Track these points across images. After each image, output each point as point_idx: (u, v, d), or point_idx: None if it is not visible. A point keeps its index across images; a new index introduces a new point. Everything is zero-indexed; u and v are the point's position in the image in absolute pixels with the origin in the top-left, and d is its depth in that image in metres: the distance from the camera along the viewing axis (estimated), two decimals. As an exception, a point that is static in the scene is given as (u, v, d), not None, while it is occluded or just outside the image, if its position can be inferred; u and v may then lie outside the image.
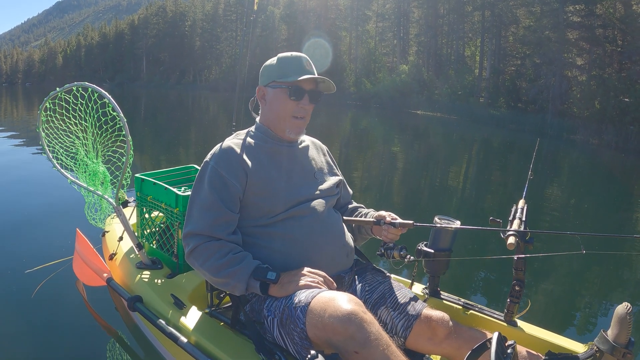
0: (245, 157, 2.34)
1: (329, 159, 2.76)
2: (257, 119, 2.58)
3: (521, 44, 40.17)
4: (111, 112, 3.19)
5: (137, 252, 3.34)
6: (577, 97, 32.72)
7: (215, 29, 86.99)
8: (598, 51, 33.73)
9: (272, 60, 2.48)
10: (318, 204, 2.44)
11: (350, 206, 2.83)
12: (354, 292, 2.45)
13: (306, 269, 2.25)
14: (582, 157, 20.77)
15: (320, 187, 2.52)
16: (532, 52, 37.63)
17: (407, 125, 30.86)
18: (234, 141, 2.43)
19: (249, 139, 2.46)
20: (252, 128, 2.57)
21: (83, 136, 3.50)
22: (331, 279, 2.27)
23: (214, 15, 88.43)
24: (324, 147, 2.80)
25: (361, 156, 15.09)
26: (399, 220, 2.52)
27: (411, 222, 2.49)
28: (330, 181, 2.60)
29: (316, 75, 2.40)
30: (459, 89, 41.93)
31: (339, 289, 2.29)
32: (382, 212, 2.58)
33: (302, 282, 2.16)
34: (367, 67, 55.37)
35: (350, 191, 2.91)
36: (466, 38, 49.18)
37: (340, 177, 2.73)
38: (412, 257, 2.57)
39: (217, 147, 2.42)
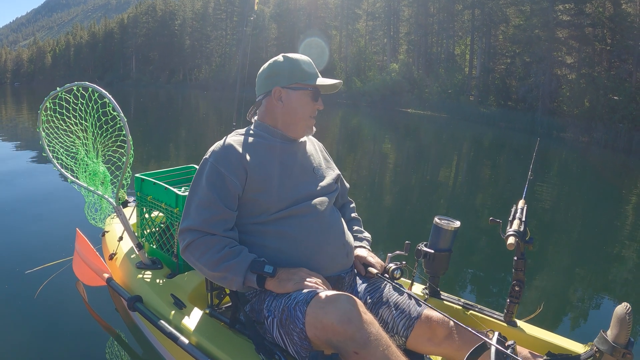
0: (244, 154, 2.33)
1: (326, 155, 2.76)
2: (255, 118, 2.58)
3: (511, 43, 40.30)
4: (111, 112, 3.18)
5: (137, 252, 3.34)
6: (566, 95, 32.89)
7: (205, 28, 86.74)
8: (587, 50, 33.93)
9: (281, 60, 2.47)
10: (318, 202, 2.43)
11: (345, 218, 2.80)
12: (354, 293, 2.46)
13: (304, 270, 2.24)
14: (572, 155, 20.86)
15: (320, 183, 2.50)
16: (522, 51, 37.78)
17: (398, 124, 30.90)
18: (233, 138, 2.41)
19: (248, 137, 2.45)
20: (252, 127, 2.56)
21: (83, 136, 3.49)
22: (327, 283, 2.27)
23: (203, 14, 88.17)
24: (320, 144, 2.80)
25: (352, 155, 15.09)
26: (370, 267, 2.52)
27: (375, 272, 2.49)
28: (329, 177, 2.59)
29: (336, 81, 2.47)
30: (449, 87, 42.07)
31: (339, 289, 2.29)
32: (360, 254, 2.60)
33: (300, 282, 2.16)
34: (358, 66, 55.34)
35: (347, 185, 2.90)
36: (456, 37, 49.27)
37: (338, 172, 2.72)
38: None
39: (217, 144, 2.41)
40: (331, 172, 2.64)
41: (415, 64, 49.87)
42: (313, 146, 2.68)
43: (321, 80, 2.42)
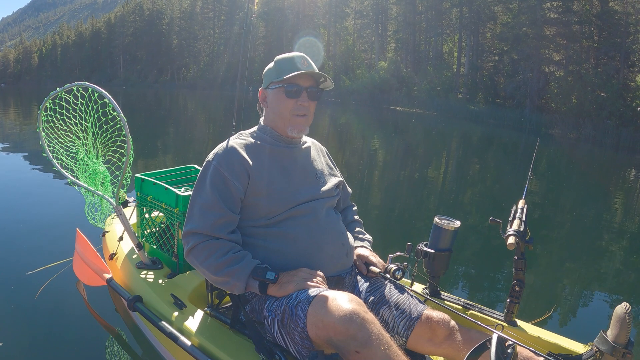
0: (247, 158, 2.34)
1: (329, 160, 2.76)
2: (261, 120, 2.59)
3: (499, 40, 40.53)
4: (111, 112, 3.18)
5: (137, 252, 3.34)
6: (554, 92, 33.04)
7: (193, 27, 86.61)
8: (575, 47, 34.16)
9: (271, 64, 2.50)
10: (318, 204, 2.44)
11: (347, 221, 2.84)
12: (355, 292, 2.46)
13: (304, 269, 2.25)
14: (561, 152, 20.91)
15: (322, 188, 2.51)
16: (509, 48, 37.96)
17: (388, 122, 30.89)
18: (237, 141, 2.41)
19: (252, 140, 2.45)
20: (256, 129, 2.57)
21: (83, 136, 3.49)
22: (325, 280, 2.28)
23: (191, 13, 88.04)
24: (324, 149, 2.81)
25: (346, 156, 14.99)
26: (371, 267, 2.53)
27: (377, 270, 2.50)
28: (331, 182, 2.60)
29: (310, 71, 2.40)
30: (438, 85, 42.20)
31: (340, 289, 2.29)
32: (361, 253, 2.62)
33: (300, 282, 2.17)
34: (346, 64, 55.44)
35: (350, 190, 2.91)
36: (444, 34, 49.49)
37: (340, 179, 2.73)
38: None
39: (220, 146, 2.41)
40: (333, 179, 2.65)
41: (403, 62, 50.03)
42: (317, 151, 2.70)
43: (292, 73, 2.37)
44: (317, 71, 2.41)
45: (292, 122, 2.44)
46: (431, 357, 2.51)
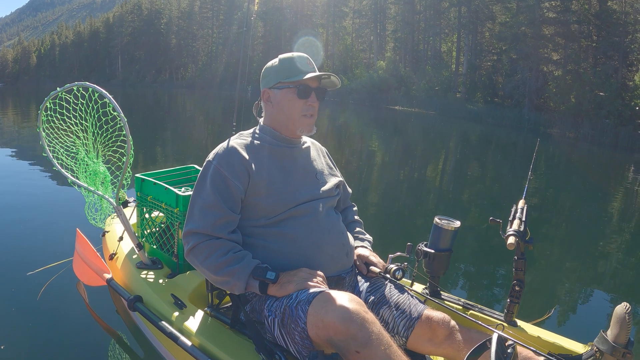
0: (248, 158, 2.33)
1: (329, 161, 2.76)
2: (261, 121, 2.57)
3: (497, 40, 40.54)
4: (112, 112, 3.18)
5: (137, 252, 3.34)
6: (553, 91, 33.10)
7: (191, 27, 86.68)
8: (573, 46, 34.19)
9: (274, 62, 2.47)
10: (318, 204, 2.43)
11: (347, 221, 2.83)
12: (356, 292, 2.47)
13: (305, 269, 2.24)
14: (559, 151, 20.93)
15: (322, 188, 2.51)
16: (508, 48, 37.99)
17: (387, 121, 30.89)
18: (237, 141, 2.40)
19: (252, 140, 2.44)
20: (256, 129, 2.55)
21: (84, 136, 3.49)
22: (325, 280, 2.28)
23: (189, 13, 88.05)
24: (324, 149, 2.80)
25: (345, 156, 14.97)
26: (371, 267, 2.53)
27: (378, 270, 2.50)
28: (331, 182, 2.59)
29: (319, 73, 2.40)
30: (436, 84, 42.21)
31: (340, 289, 2.28)
32: (362, 253, 2.62)
33: (301, 282, 2.16)
34: (344, 64, 55.37)
35: (350, 190, 2.91)
36: (443, 34, 49.52)
37: (340, 179, 2.72)
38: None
39: (221, 146, 2.40)
40: (333, 179, 2.64)
41: (402, 62, 50.00)
42: (316, 151, 2.69)
43: (308, 75, 2.37)
44: (330, 73, 2.42)
45: (302, 123, 2.44)
46: (431, 357, 2.50)
